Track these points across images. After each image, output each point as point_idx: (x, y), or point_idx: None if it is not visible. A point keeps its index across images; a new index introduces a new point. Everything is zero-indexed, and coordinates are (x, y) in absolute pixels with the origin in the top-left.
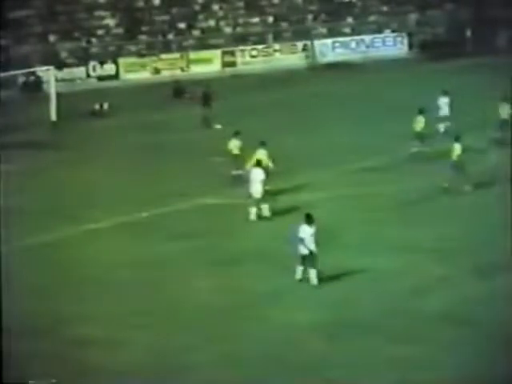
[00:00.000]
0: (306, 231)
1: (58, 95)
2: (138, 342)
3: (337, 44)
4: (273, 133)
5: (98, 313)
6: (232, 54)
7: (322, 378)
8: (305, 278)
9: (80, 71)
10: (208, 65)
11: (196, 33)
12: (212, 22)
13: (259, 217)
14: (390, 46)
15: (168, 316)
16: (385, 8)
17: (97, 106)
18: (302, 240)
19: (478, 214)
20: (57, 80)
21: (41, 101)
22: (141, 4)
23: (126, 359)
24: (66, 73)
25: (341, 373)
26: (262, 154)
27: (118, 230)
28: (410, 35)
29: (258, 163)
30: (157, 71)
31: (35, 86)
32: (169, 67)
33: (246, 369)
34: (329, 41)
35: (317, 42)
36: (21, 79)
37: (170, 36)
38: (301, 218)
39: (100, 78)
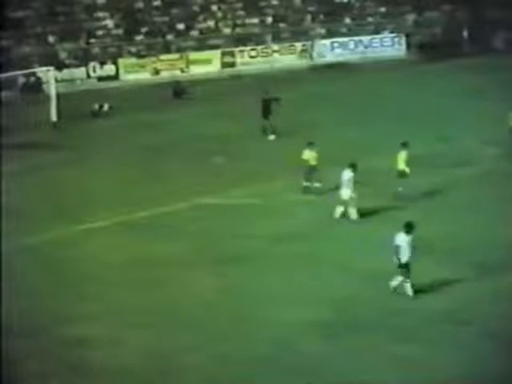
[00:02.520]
0: (403, 239)
1: (58, 96)
2: (137, 341)
3: (335, 44)
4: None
5: (98, 312)
6: (231, 54)
7: (322, 378)
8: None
9: (80, 72)
10: (207, 65)
11: (195, 33)
12: (211, 23)
13: (343, 216)
14: (388, 46)
15: (167, 316)
16: (382, 9)
17: (97, 107)
18: (397, 248)
19: (480, 212)
20: (57, 81)
21: (41, 101)
22: (140, 5)
23: (125, 358)
24: (65, 73)
25: (342, 372)
26: (402, 156)
27: (118, 229)
28: (407, 36)
29: (352, 165)
30: (156, 72)
31: (35, 87)
32: (168, 68)
33: (246, 369)
34: (327, 41)
35: (316, 43)
36: (21, 80)
37: (170, 37)
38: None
39: (100, 79)
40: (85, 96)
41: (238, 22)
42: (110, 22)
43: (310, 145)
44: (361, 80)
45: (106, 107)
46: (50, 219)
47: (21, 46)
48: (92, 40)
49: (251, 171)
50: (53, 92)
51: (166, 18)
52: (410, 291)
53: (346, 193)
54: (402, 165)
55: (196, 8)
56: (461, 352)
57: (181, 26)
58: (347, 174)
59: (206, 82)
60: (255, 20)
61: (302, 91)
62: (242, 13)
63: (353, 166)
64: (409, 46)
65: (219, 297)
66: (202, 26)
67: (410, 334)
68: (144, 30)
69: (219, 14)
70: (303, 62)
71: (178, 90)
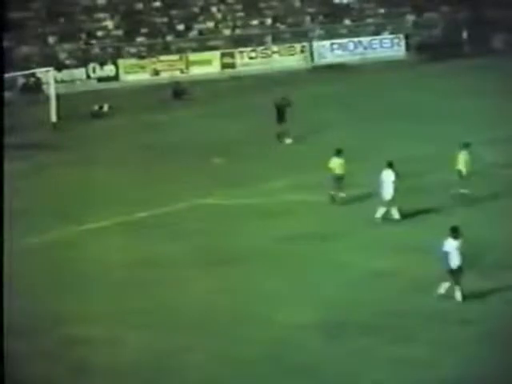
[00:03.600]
0: (452, 245)
1: (58, 96)
2: (137, 341)
3: (335, 46)
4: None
5: (98, 312)
6: (231, 55)
7: (322, 379)
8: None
9: (80, 72)
10: (207, 66)
11: (195, 34)
12: (211, 24)
13: (384, 218)
14: (388, 47)
15: (167, 315)
16: (382, 10)
17: (97, 107)
18: (447, 254)
19: (479, 213)
20: (56, 81)
21: (41, 102)
22: (140, 6)
23: (125, 358)
24: (65, 74)
25: (342, 372)
26: (464, 157)
27: (118, 229)
28: (407, 37)
29: (390, 165)
30: (156, 73)
31: (35, 88)
32: (168, 68)
33: (246, 369)
34: (327, 42)
35: (315, 44)
36: (21, 81)
37: (170, 38)
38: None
39: (100, 80)
40: (84, 97)
41: (238, 23)
42: (109, 23)
43: (338, 152)
44: (361, 81)
45: (105, 108)
46: (50, 219)
47: (21, 46)
48: (92, 41)
49: (251, 171)
50: (52, 93)
51: (166, 19)
52: (459, 296)
53: (388, 193)
54: (462, 165)
55: (196, 9)
56: (461, 352)
57: (181, 27)
58: (387, 174)
59: (205, 83)
60: (255, 21)
61: (301, 92)
62: (241, 14)
63: (391, 166)
64: (408, 47)
65: (219, 297)
66: (202, 26)
67: (410, 335)
68: (144, 30)
69: (219, 15)
70: (303, 63)
71: (178, 91)
